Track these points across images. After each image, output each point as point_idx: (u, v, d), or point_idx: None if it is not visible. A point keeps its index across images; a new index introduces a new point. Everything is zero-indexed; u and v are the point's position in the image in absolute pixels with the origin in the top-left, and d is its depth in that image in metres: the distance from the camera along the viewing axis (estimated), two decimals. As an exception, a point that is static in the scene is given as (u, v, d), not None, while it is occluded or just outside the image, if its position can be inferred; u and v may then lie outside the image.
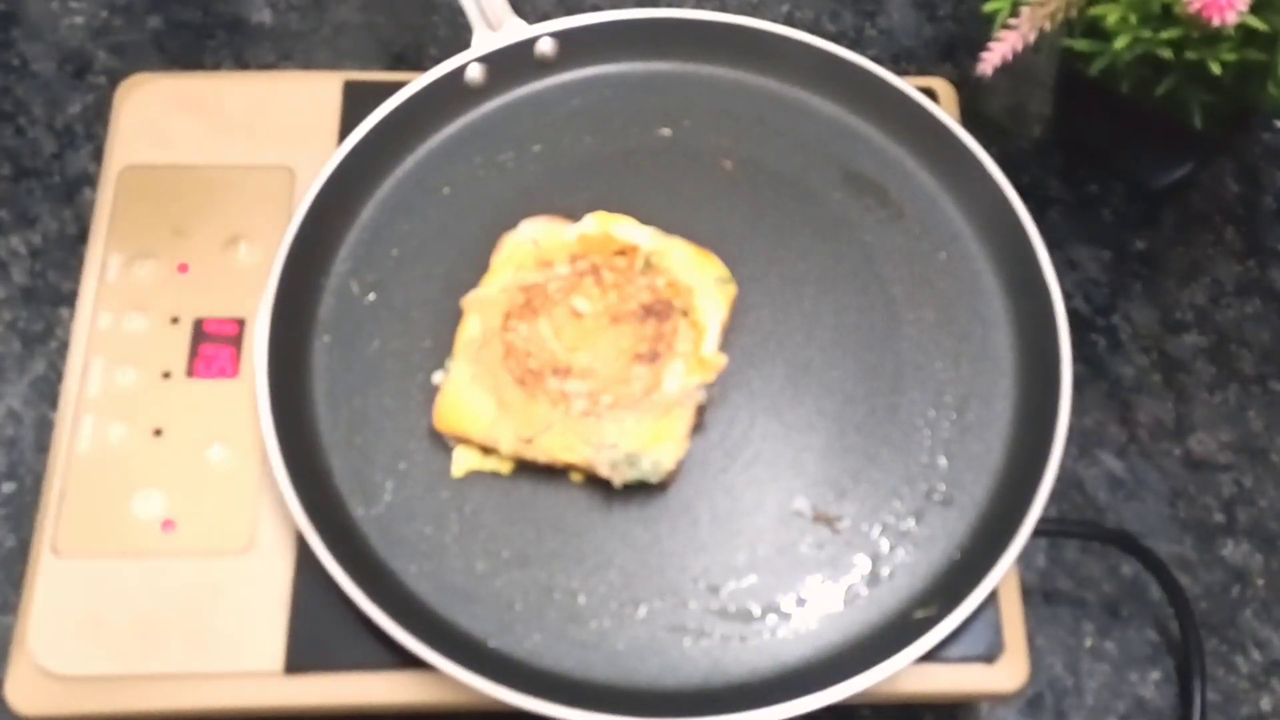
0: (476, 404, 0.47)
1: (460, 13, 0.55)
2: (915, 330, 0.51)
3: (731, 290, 0.50)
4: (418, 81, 0.53)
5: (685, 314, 0.49)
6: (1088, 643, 0.54)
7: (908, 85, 0.55)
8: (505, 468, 0.47)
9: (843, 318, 0.52)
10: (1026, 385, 0.50)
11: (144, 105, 0.55)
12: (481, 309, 0.49)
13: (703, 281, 0.50)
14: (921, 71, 0.65)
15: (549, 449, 0.46)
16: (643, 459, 0.46)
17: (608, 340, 0.48)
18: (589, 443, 0.46)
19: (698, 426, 0.48)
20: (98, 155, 0.60)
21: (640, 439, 0.46)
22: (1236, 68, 0.49)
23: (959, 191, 0.54)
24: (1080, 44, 0.52)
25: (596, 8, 0.63)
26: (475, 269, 0.52)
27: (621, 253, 0.50)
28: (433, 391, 0.48)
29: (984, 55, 0.51)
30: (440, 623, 0.45)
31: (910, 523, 0.48)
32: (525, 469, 0.47)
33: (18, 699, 0.44)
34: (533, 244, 0.50)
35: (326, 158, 0.52)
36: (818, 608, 0.46)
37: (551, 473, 0.47)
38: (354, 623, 0.44)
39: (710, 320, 0.49)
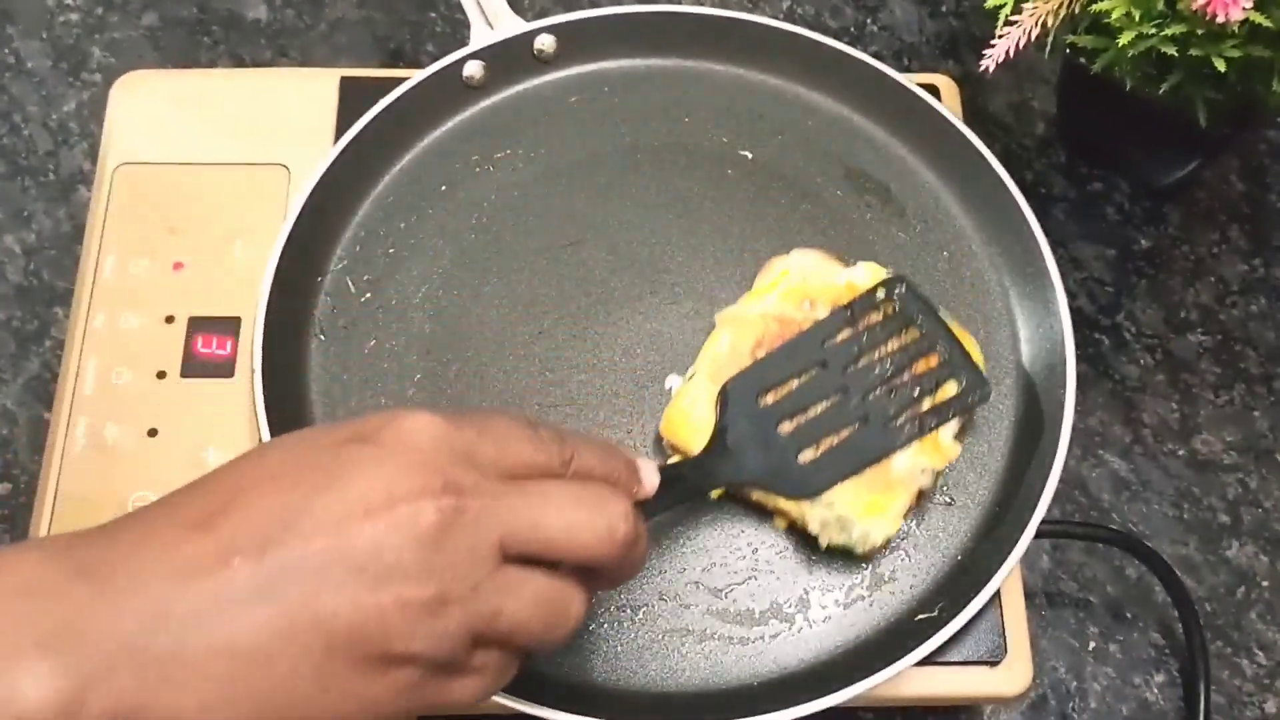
0: (707, 419, 0.45)
1: (458, 9, 0.54)
2: (917, 329, 0.51)
3: (987, 389, 0.47)
4: (415, 78, 0.53)
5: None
6: (1091, 645, 0.53)
7: (910, 82, 0.54)
8: (715, 494, 0.46)
9: (844, 317, 0.51)
10: (1030, 385, 0.50)
11: (139, 103, 0.54)
12: (735, 327, 0.47)
13: None
14: (924, 68, 0.64)
15: None
16: (854, 527, 0.44)
17: None
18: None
19: (915, 510, 0.47)
20: (93, 153, 0.60)
21: (858, 506, 0.44)
22: (1242, 64, 0.49)
23: (962, 189, 0.54)
24: (1084, 40, 0.52)
25: (596, 3, 0.63)
26: (473, 268, 0.51)
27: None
28: (432, 392, 0.48)
29: (987, 52, 0.50)
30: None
31: (912, 524, 0.48)
32: (730, 499, 0.46)
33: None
34: (800, 277, 0.48)
35: (322, 155, 0.51)
36: (819, 610, 0.46)
37: (752, 510, 0.46)
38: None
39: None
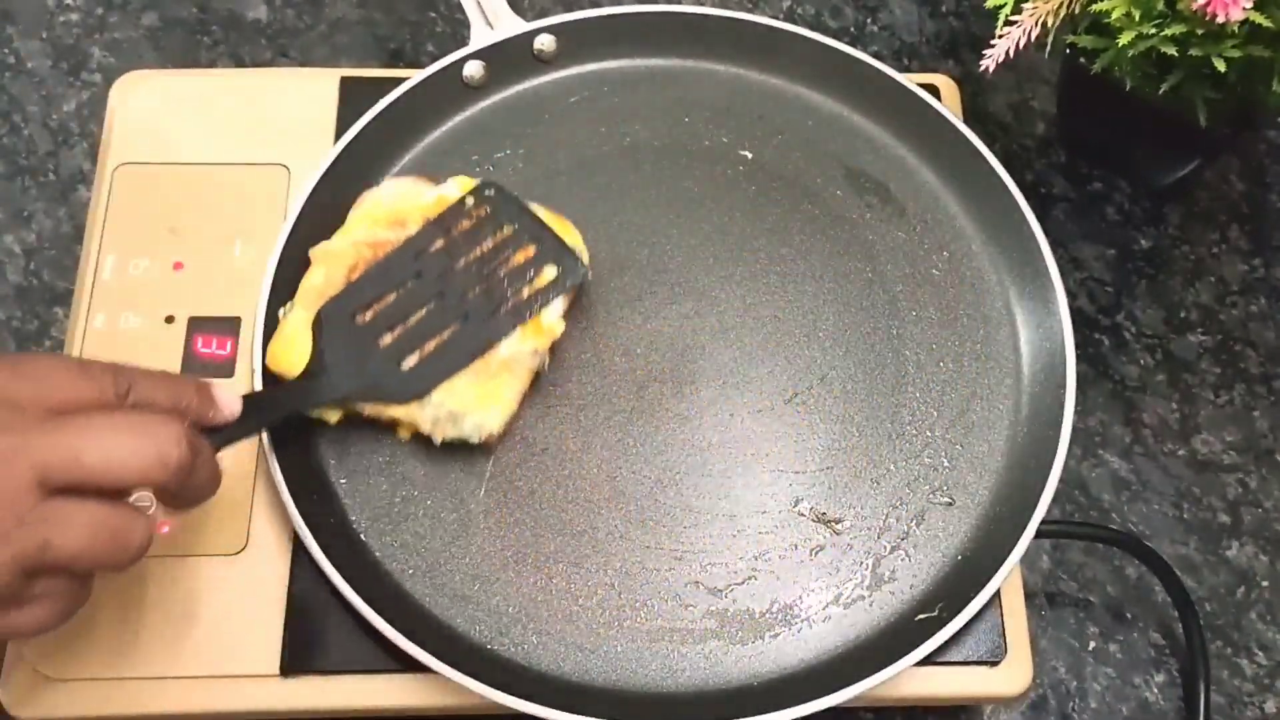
0: (305, 349, 0.46)
1: (458, 9, 0.54)
2: (917, 329, 0.51)
3: (584, 268, 0.49)
4: (415, 78, 0.53)
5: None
6: (1091, 645, 0.53)
7: (910, 82, 0.54)
8: (333, 417, 0.47)
9: (844, 317, 0.51)
10: (1030, 385, 0.50)
11: (139, 103, 0.54)
12: (328, 261, 0.48)
13: None
14: (924, 68, 0.64)
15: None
16: (465, 419, 0.46)
17: None
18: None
19: (535, 390, 0.48)
20: (93, 153, 0.60)
21: (467, 399, 0.46)
22: (1242, 65, 0.49)
23: (962, 189, 0.54)
24: (1084, 40, 0.52)
25: (596, 3, 0.63)
26: None
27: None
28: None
29: (987, 52, 0.50)
30: (437, 625, 0.45)
31: (912, 524, 0.48)
32: (352, 421, 0.47)
33: (13, 702, 0.44)
34: (389, 202, 0.50)
35: (323, 155, 0.51)
36: (819, 610, 0.46)
37: (380, 441, 0.47)
38: (350, 625, 0.44)
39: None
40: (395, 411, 0.46)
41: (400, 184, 0.51)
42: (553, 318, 0.48)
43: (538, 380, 0.49)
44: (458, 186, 0.50)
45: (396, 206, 0.49)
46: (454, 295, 0.47)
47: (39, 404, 0.35)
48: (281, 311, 0.48)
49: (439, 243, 0.48)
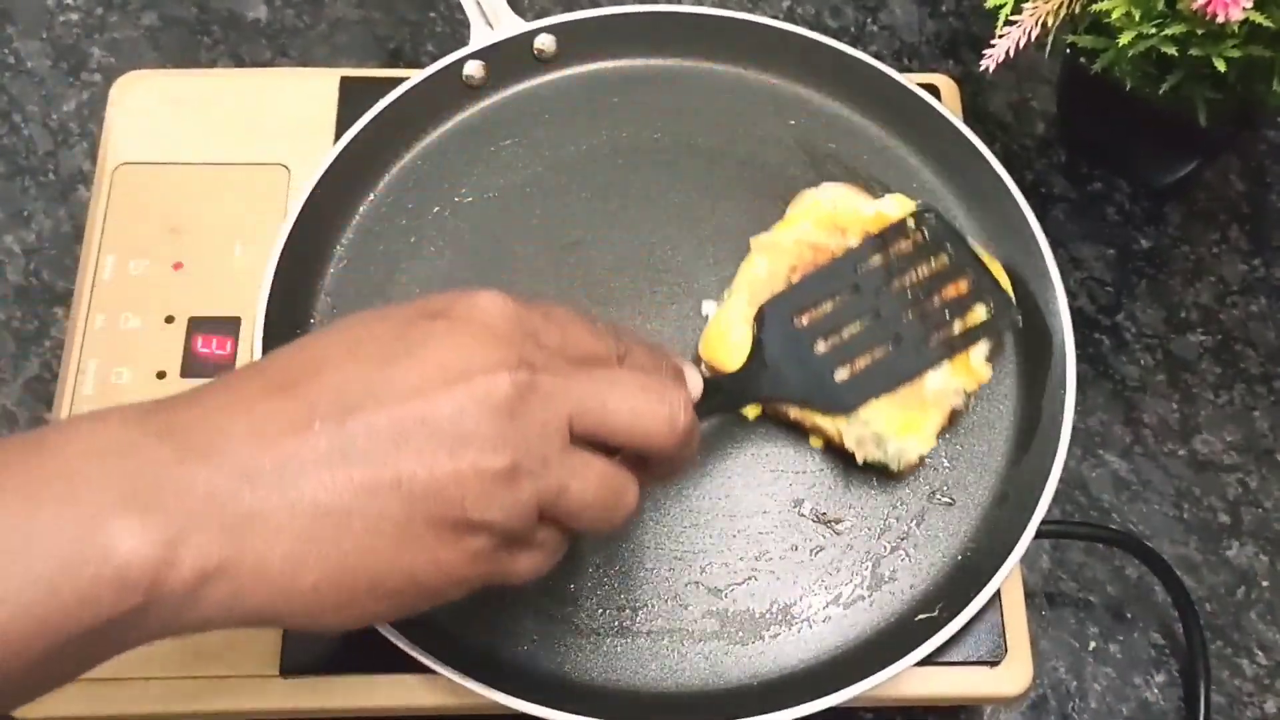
0: (743, 340, 0.46)
1: (458, 9, 0.54)
2: (918, 329, 0.51)
3: (1016, 314, 0.48)
4: (415, 78, 0.53)
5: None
6: (1092, 645, 0.53)
7: (910, 82, 0.54)
8: (752, 412, 0.47)
9: (844, 317, 0.51)
10: (1030, 385, 0.50)
11: (139, 103, 0.54)
12: (771, 253, 0.48)
13: None
14: (924, 68, 0.64)
15: None
16: (890, 443, 0.46)
17: None
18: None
19: (948, 430, 0.48)
20: (92, 153, 0.60)
21: (893, 424, 0.46)
22: (1242, 64, 0.49)
23: (962, 189, 0.54)
24: (1084, 40, 0.52)
25: (596, 3, 0.63)
26: (473, 268, 0.51)
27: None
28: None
29: (987, 52, 0.50)
30: (437, 626, 0.45)
31: (912, 524, 0.48)
32: (769, 419, 0.47)
33: (11, 702, 0.44)
34: (831, 206, 0.49)
35: (323, 155, 0.51)
36: (819, 610, 0.46)
37: (788, 429, 0.47)
38: (350, 625, 0.44)
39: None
40: (821, 422, 0.46)
41: (839, 189, 0.50)
42: (979, 359, 0.47)
43: (955, 418, 0.48)
44: (897, 205, 0.49)
45: (838, 212, 0.49)
46: (889, 315, 0.47)
47: (561, 350, 0.36)
48: (706, 305, 0.49)
49: (877, 259, 0.47)
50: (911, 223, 0.48)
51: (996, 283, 0.48)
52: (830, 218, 0.49)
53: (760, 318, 0.46)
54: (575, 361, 0.36)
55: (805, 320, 0.46)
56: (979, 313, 0.47)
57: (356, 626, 0.34)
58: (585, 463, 0.35)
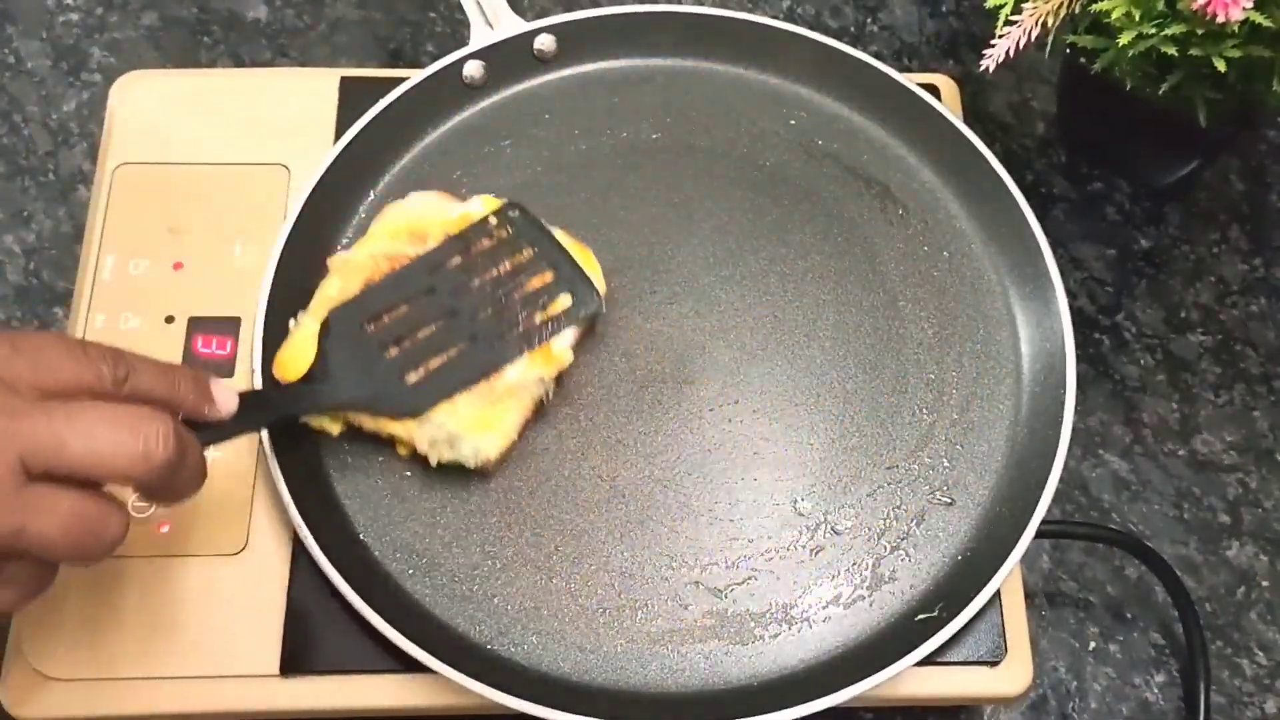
0: (308, 354, 0.46)
1: (458, 9, 0.54)
2: (917, 329, 0.51)
3: (601, 289, 0.49)
4: (415, 78, 0.53)
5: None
6: (1092, 645, 0.53)
7: (910, 82, 0.54)
8: (335, 428, 0.47)
9: (844, 317, 0.51)
10: (1030, 385, 0.50)
11: (139, 103, 0.54)
12: (345, 272, 0.48)
13: None
14: (924, 68, 0.65)
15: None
16: (463, 443, 0.45)
17: None
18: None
19: (539, 418, 0.48)
20: (93, 153, 0.60)
21: (467, 422, 0.45)
22: (1242, 64, 0.49)
23: (962, 189, 0.54)
24: (1084, 40, 0.52)
25: (596, 3, 0.63)
26: None
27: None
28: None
29: (987, 51, 0.50)
30: (437, 625, 0.45)
31: (912, 524, 0.48)
32: (353, 434, 0.47)
33: (13, 701, 0.44)
34: (412, 215, 0.49)
35: (323, 155, 0.51)
36: (819, 610, 0.46)
37: (379, 442, 0.47)
38: (350, 625, 0.44)
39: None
40: (394, 428, 0.46)
41: (425, 197, 0.50)
42: (562, 347, 0.47)
43: (540, 407, 0.48)
44: (482, 205, 0.49)
45: (419, 220, 0.49)
46: (465, 314, 0.47)
47: (34, 384, 0.35)
48: (293, 321, 0.48)
49: (456, 260, 0.48)
50: (494, 220, 0.48)
51: (579, 270, 0.48)
52: (409, 227, 0.49)
53: (324, 328, 0.46)
54: (48, 396, 0.35)
55: (373, 327, 0.46)
56: (562, 301, 0.47)
57: None
58: (48, 499, 0.34)
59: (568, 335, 0.47)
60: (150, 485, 0.36)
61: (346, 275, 0.48)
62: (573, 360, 0.48)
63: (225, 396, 0.40)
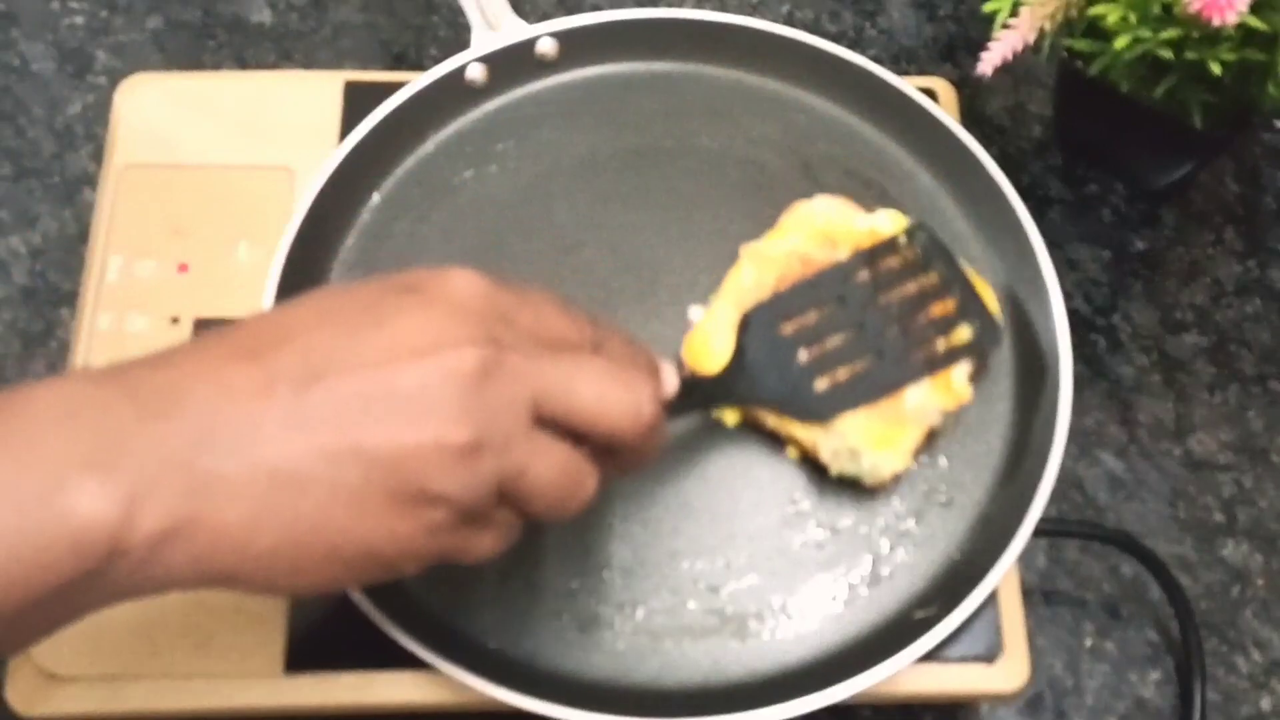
0: (725, 345, 0.47)
1: (460, 13, 0.55)
2: (915, 330, 0.51)
3: (1000, 336, 0.49)
4: (418, 81, 0.53)
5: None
6: (1088, 643, 0.54)
7: (908, 85, 0.55)
8: (732, 419, 0.48)
9: (843, 318, 0.52)
10: (1026, 385, 0.50)
11: (144, 105, 0.55)
12: (759, 262, 0.49)
13: None
14: (921, 71, 0.65)
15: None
16: (864, 457, 0.46)
17: None
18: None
19: (925, 450, 0.48)
20: (98, 155, 0.60)
21: (869, 438, 0.46)
22: (1236, 67, 0.49)
23: (959, 191, 0.54)
24: (1080, 44, 0.52)
25: (597, 7, 0.63)
26: (477, 268, 0.51)
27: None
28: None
29: (984, 55, 0.51)
30: (439, 622, 0.45)
31: (910, 523, 0.48)
32: (746, 428, 0.48)
33: (18, 699, 0.44)
34: (823, 219, 0.50)
35: (327, 158, 0.52)
36: (818, 608, 0.46)
37: (767, 439, 0.48)
38: (353, 622, 0.44)
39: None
40: (797, 431, 0.46)
41: (832, 202, 0.50)
42: (962, 381, 0.47)
43: (931, 436, 0.48)
44: (890, 221, 0.50)
45: (830, 225, 0.49)
46: (873, 329, 0.47)
47: (533, 332, 0.36)
48: (693, 310, 0.49)
49: (865, 273, 0.48)
50: (903, 239, 0.49)
51: (983, 304, 0.48)
52: (822, 231, 0.49)
53: (744, 323, 0.47)
54: (546, 345, 0.36)
55: (789, 329, 0.47)
56: (964, 333, 0.47)
57: (316, 592, 0.34)
58: (547, 446, 0.35)
59: (965, 368, 0.47)
60: (631, 444, 0.36)
61: (761, 267, 0.48)
62: (972, 398, 0.48)
63: (670, 377, 0.41)
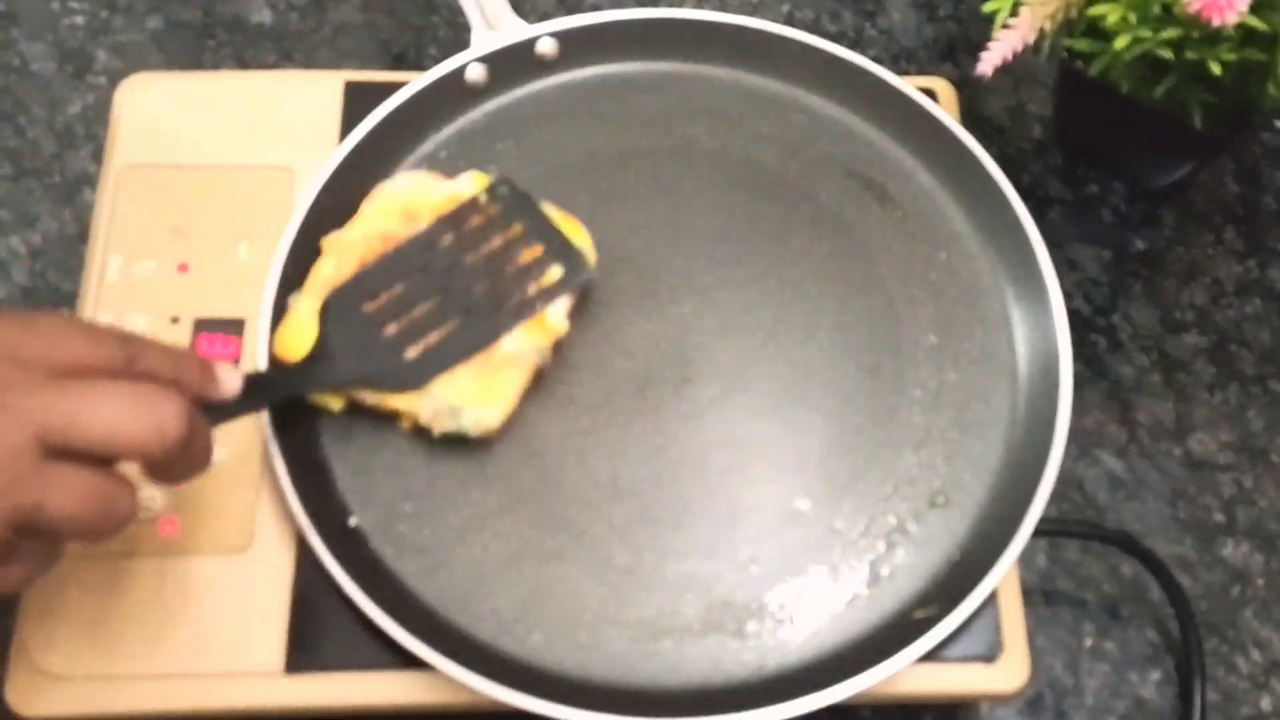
0: (310, 335, 0.47)
1: (460, 13, 0.55)
2: (915, 330, 0.52)
3: (591, 259, 0.50)
4: (418, 81, 0.53)
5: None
6: (1088, 643, 0.54)
7: (908, 85, 0.55)
8: (336, 404, 0.48)
9: (842, 318, 0.52)
10: (1026, 385, 0.50)
11: (144, 105, 0.55)
12: (339, 251, 0.49)
13: None
14: (921, 71, 0.65)
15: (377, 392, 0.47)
16: (465, 413, 0.47)
17: None
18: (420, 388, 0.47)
19: (538, 388, 0.49)
20: (98, 155, 0.60)
21: (467, 393, 0.46)
22: (1236, 68, 0.49)
23: (959, 191, 0.54)
24: (1080, 44, 0.52)
25: (596, 7, 0.63)
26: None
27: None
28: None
29: (984, 55, 0.51)
30: (440, 622, 0.45)
31: (910, 523, 0.48)
32: (356, 420, 0.48)
33: (18, 699, 0.44)
34: (402, 195, 0.50)
35: (327, 157, 0.52)
36: (818, 608, 0.46)
37: (379, 418, 0.48)
38: (354, 622, 0.44)
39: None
40: (396, 402, 0.47)
41: (413, 177, 0.51)
42: (557, 316, 0.48)
43: (540, 379, 0.49)
44: (471, 182, 0.50)
45: (409, 200, 0.50)
46: (459, 290, 0.48)
47: (45, 363, 0.35)
48: (291, 299, 0.49)
49: (448, 238, 0.49)
50: (484, 198, 0.50)
51: (568, 242, 0.49)
52: (401, 207, 0.50)
53: (325, 309, 0.47)
54: (56, 373, 0.35)
55: (374, 306, 0.47)
56: (554, 273, 0.48)
57: None
58: (64, 476, 0.35)
59: (562, 305, 0.48)
60: (161, 463, 0.37)
61: (341, 254, 0.49)
62: (568, 329, 0.49)
63: (229, 377, 0.41)
